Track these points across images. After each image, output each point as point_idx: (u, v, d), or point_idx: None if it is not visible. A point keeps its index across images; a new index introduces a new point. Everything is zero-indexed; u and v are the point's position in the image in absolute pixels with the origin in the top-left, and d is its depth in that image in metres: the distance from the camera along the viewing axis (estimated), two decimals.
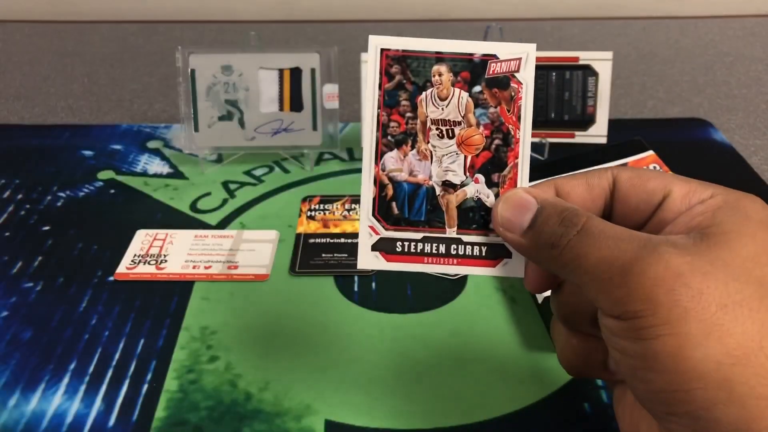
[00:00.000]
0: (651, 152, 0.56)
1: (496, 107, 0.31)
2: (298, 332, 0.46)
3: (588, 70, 0.64)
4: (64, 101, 0.80)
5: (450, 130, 0.31)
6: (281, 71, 0.62)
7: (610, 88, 0.64)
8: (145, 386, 0.42)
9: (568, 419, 0.40)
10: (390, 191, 0.31)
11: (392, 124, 0.31)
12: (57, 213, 0.59)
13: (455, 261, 0.31)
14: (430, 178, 0.31)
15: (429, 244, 0.31)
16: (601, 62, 0.63)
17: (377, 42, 0.31)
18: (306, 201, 0.60)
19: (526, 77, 0.31)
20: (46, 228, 0.57)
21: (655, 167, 0.54)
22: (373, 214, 0.31)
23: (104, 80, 0.86)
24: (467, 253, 0.31)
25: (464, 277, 0.51)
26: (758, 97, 0.81)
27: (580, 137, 0.65)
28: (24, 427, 0.39)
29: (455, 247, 0.31)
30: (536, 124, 0.65)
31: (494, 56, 0.31)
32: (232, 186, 0.63)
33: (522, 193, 0.29)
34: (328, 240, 0.55)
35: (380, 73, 0.31)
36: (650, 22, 1.05)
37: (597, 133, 0.64)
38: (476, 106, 0.31)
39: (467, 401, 0.41)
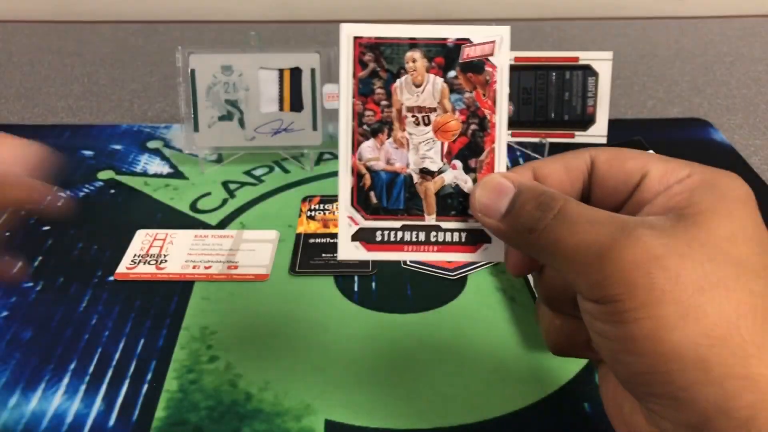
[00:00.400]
0: (651, 152, 0.56)
1: (471, 92, 0.30)
2: (298, 332, 0.46)
3: (588, 70, 0.64)
4: (64, 101, 0.80)
5: (426, 117, 0.31)
6: (281, 71, 0.62)
7: (610, 88, 0.64)
8: (145, 386, 0.42)
9: (568, 419, 0.40)
10: (368, 181, 0.31)
11: (367, 113, 0.31)
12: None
13: (435, 248, 0.31)
14: (408, 166, 0.31)
15: (409, 232, 0.31)
16: (601, 62, 0.63)
17: (349, 30, 0.30)
18: (306, 201, 0.60)
19: (501, 61, 0.30)
20: (46, 228, 0.57)
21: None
22: (352, 204, 0.31)
23: (104, 80, 0.86)
24: (447, 240, 0.31)
25: (464, 277, 0.51)
26: (758, 97, 0.81)
27: (580, 137, 0.65)
28: (24, 427, 0.39)
29: (435, 234, 0.31)
30: (536, 124, 0.65)
31: (468, 40, 0.30)
32: (232, 186, 0.63)
33: (499, 177, 0.29)
34: (328, 240, 0.55)
35: (353, 62, 0.30)
36: (650, 22, 1.05)
37: (597, 133, 0.64)
38: (451, 91, 0.30)
39: (467, 401, 0.41)
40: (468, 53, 0.30)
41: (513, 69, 0.65)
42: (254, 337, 0.46)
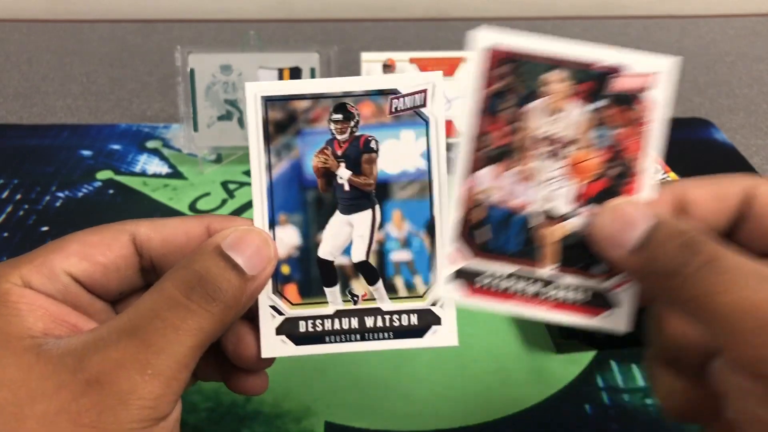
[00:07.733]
0: None
1: (619, 129, 0.26)
2: None
3: None
4: (63, 101, 0.80)
5: (560, 150, 0.26)
6: (281, 71, 0.62)
7: None
8: None
9: (569, 421, 0.40)
10: (480, 214, 0.26)
11: (492, 135, 0.26)
12: (55, 213, 0.59)
13: (548, 305, 0.26)
14: (530, 204, 0.26)
15: (518, 282, 0.26)
16: None
17: (487, 37, 0.26)
18: None
19: (661, 98, 0.26)
20: (45, 228, 0.56)
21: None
22: (461, 236, 0.27)
23: (103, 80, 0.86)
24: (563, 298, 0.26)
25: None
26: (760, 97, 0.81)
27: None
28: None
29: (549, 288, 0.26)
30: None
31: (622, 68, 0.26)
32: (232, 186, 0.63)
33: (629, 206, 0.25)
34: None
35: (486, 74, 0.26)
36: (651, 22, 1.05)
37: None
38: (596, 124, 0.26)
39: (468, 403, 0.41)
40: (623, 83, 0.26)
41: None
42: None
